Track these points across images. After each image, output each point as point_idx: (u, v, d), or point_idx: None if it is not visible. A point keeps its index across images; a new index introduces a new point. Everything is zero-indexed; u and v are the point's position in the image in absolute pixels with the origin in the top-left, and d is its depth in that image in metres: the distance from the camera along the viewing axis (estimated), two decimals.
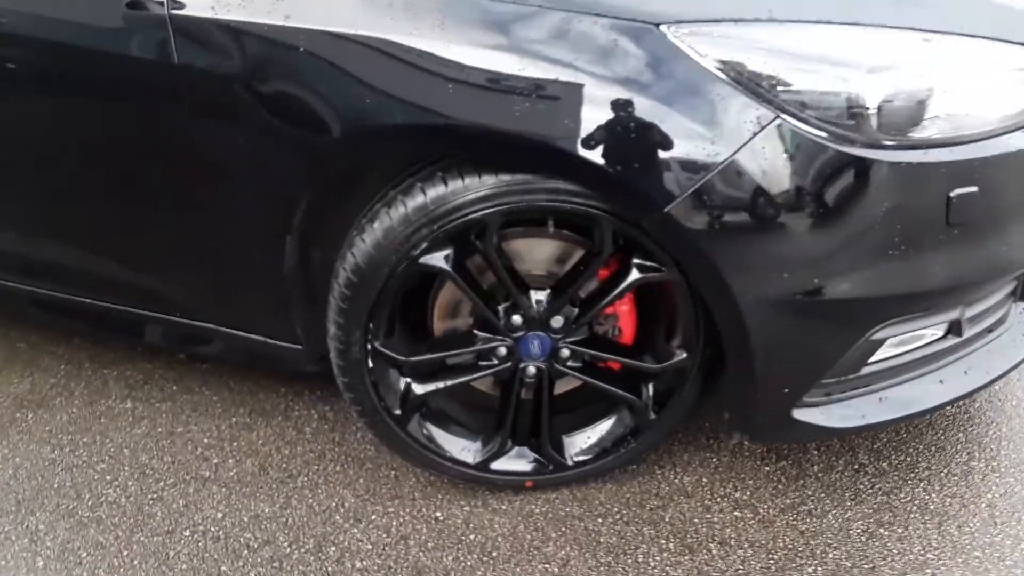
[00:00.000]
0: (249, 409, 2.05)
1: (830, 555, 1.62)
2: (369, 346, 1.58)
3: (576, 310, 1.59)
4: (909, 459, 1.80)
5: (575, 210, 1.44)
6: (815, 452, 1.84)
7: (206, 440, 1.96)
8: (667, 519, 1.71)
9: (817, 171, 1.30)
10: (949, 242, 1.38)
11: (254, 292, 1.73)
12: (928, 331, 1.55)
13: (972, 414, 1.89)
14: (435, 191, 1.44)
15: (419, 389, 1.65)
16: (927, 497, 1.71)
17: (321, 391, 2.09)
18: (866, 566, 1.59)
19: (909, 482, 1.75)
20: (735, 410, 1.54)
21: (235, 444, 1.95)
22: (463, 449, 1.73)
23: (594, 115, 1.30)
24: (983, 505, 1.69)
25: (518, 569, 1.63)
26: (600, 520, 1.72)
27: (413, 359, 1.61)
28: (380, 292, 1.52)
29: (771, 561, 1.62)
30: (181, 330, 1.90)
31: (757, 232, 1.34)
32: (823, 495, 1.74)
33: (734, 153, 1.29)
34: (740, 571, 1.60)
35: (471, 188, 1.43)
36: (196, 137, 1.50)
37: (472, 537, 1.70)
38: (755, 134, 1.28)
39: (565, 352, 1.63)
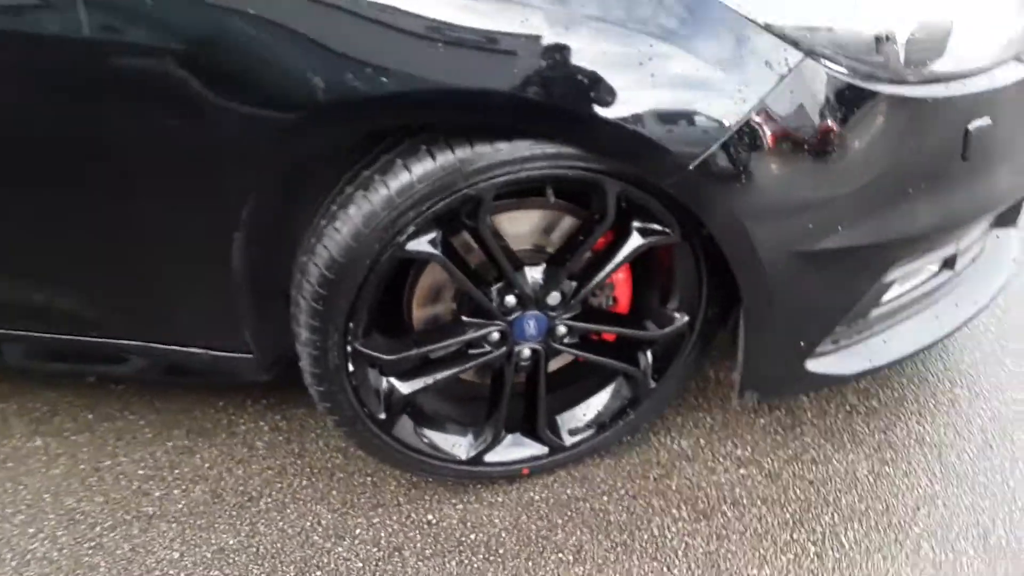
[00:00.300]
0: (186, 429, 1.79)
1: (843, 500, 1.60)
2: (349, 348, 1.38)
3: (574, 284, 1.46)
4: (896, 394, 1.80)
5: (578, 176, 1.29)
6: (805, 399, 1.81)
7: (141, 471, 1.70)
8: (674, 487, 1.64)
9: (846, 112, 1.21)
10: (963, 177, 1.35)
11: (195, 299, 1.47)
12: (927, 268, 1.53)
13: (945, 342, 1.92)
14: (422, 167, 1.25)
15: (404, 388, 1.48)
16: (922, 430, 1.73)
17: (266, 399, 1.85)
18: (879, 507, 1.58)
19: (902, 417, 1.76)
20: (749, 369, 1.47)
21: (177, 472, 1.70)
22: (454, 445, 1.58)
23: (608, 68, 1.15)
24: (976, 431, 1.72)
25: (530, 563, 1.51)
26: (605, 498, 1.62)
27: (397, 356, 1.43)
28: (361, 287, 1.32)
29: (787, 515, 1.58)
30: (92, 351, 1.62)
31: (785, 182, 1.24)
32: (823, 441, 1.71)
33: (763, 99, 1.17)
34: (759, 530, 1.55)
35: (464, 161, 1.25)
36: (118, 123, 1.22)
37: (473, 537, 1.56)
38: (783, 77, 1.17)
39: (562, 329, 1.49)
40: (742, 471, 1.66)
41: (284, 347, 1.57)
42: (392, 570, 1.51)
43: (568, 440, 1.63)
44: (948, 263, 1.55)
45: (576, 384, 1.67)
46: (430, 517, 1.60)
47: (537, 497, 1.63)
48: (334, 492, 1.65)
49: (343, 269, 1.29)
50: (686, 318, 1.53)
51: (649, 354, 1.59)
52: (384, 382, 1.47)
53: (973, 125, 1.29)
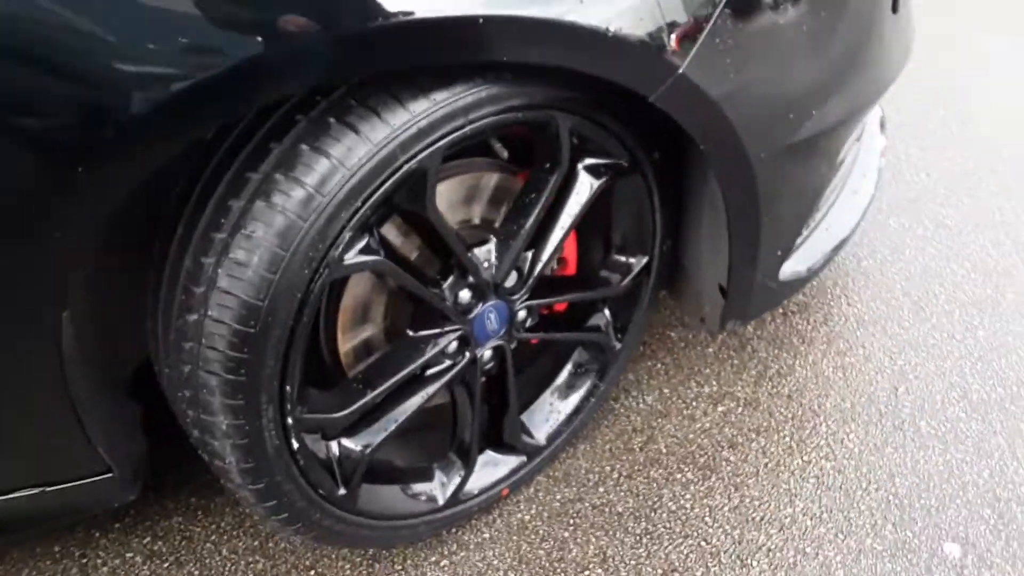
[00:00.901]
0: None
1: (827, 404, 1.51)
2: (290, 420, 1.00)
3: (528, 255, 1.18)
4: (816, 284, 1.74)
5: (528, 118, 1.02)
6: None
7: None
8: (664, 450, 1.45)
9: None
10: (896, 32, 1.26)
11: (16, 425, 1.00)
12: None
13: None
14: (344, 147, 0.90)
15: (358, 445, 1.12)
16: (856, 311, 1.68)
17: (119, 522, 1.37)
18: (862, 399, 1.51)
19: (832, 304, 1.70)
20: (734, 294, 1.30)
21: None
22: (429, 492, 1.25)
23: None
24: (900, 295, 1.71)
25: None
26: (602, 489, 1.39)
27: (351, 410, 1.07)
28: (293, 334, 0.95)
29: (785, 438, 1.46)
30: None
31: (768, 66, 1.07)
32: (776, 351, 1.61)
33: None
34: (768, 464, 1.42)
35: (399, 126, 0.91)
36: None
37: None
38: None
39: (522, 314, 1.22)
40: (720, 409, 1.51)
41: (142, 450, 1.16)
42: None
43: (543, 439, 1.37)
44: (858, 136, 1.49)
45: (528, 373, 1.40)
46: None
47: (527, 516, 1.36)
48: None
49: (266, 315, 0.91)
50: (644, 259, 1.32)
51: (607, 312, 1.37)
52: (335, 447, 1.10)
53: None
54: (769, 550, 1.29)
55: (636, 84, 0.98)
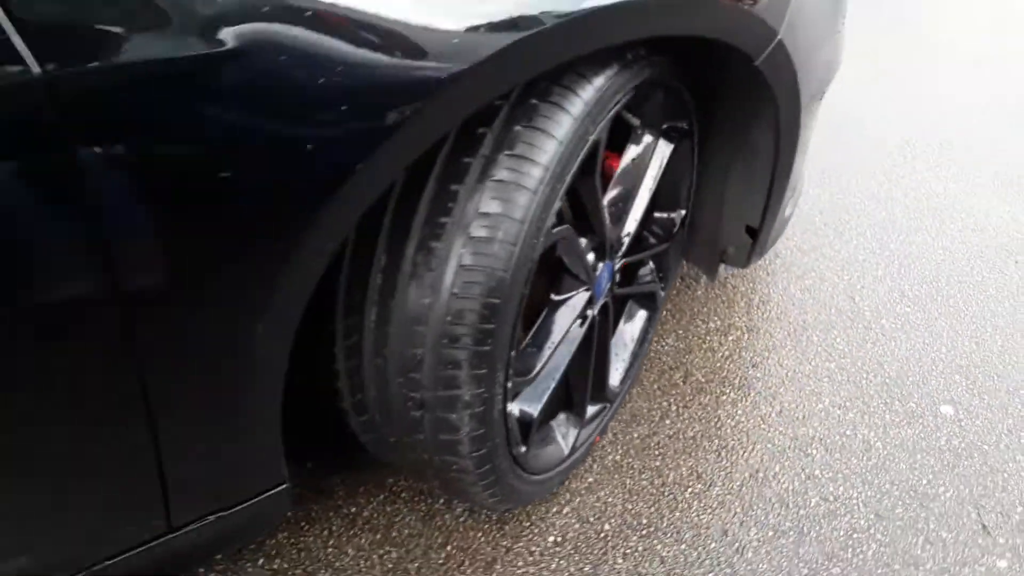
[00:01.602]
0: None
1: (809, 318, 1.80)
2: (509, 384, 1.07)
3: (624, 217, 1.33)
4: None
5: (650, 89, 1.17)
6: None
7: None
8: (702, 379, 1.66)
9: None
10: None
11: (193, 448, 0.96)
12: None
13: None
14: (557, 126, 0.99)
15: (535, 408, 1.21)
16: (795, 242, 2.00)
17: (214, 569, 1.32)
18: (832, 310, 1.82)
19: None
20: (764, 232, 1.52)
21: None
22: (558, 444, 1.36)
23: None
24: (822, 225, 2.05)
25: (676, 514, 1.41)
26: (668, 421, 1.57)
27: (536, 371, 1.15)
28: (521, 299, 1.02)
29: (790, 349, 1.72)
30: None
31: (810, 33, 1.29)
32: (752, 284, 1.88)
33: None
34: (787, 373, 1.67)
35: (590, 100, 1.02)
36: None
37: (607, 527, 1.39)
38: None
39: (617, 273, 1.36)
40: (731, 337, 1.75)
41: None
42: None
43: (617, 383, 1.52)
44: None
45: None
46: (551, 539, 1.37)
47: (617, 456, 1.50)
48: None
49: (510, 285, 0.98)
50: (683, 212, 1.51)
51: (651, 264, 1.55)
52: (515, 408, 1.18)
53: None
54: (821, 439, 1.55)
55: (750, 49, 1.16)
